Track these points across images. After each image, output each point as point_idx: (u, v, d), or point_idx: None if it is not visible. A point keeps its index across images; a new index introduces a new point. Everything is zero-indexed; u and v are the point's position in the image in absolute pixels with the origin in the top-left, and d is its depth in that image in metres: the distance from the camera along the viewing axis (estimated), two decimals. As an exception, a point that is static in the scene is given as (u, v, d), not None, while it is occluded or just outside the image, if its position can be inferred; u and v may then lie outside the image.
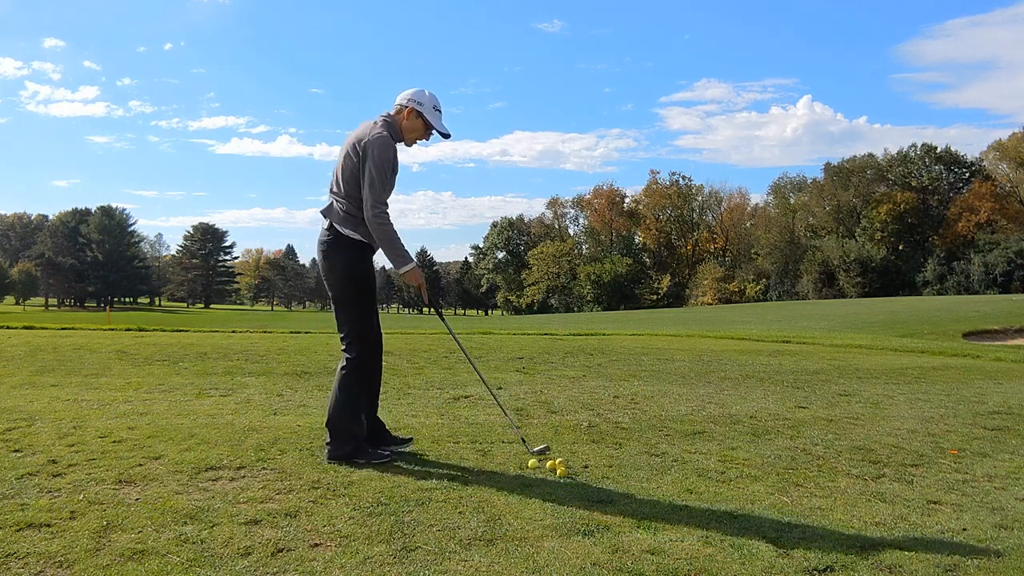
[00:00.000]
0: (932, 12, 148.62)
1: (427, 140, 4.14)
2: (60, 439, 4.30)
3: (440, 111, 4.12)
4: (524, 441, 4.35)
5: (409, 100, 4.05)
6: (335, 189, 4.03)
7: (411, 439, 4.38)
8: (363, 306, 4.05)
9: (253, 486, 3.49)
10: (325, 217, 4.06)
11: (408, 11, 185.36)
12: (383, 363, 4.26)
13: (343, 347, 4.06)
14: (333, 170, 4.09)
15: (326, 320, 24.33)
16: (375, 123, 4.01)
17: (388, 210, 3.93)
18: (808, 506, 3.45)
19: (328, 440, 4.03)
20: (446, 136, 4.14)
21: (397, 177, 4.09)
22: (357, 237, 3.97)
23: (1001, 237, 64.52)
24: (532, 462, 4.01)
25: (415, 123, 4.06)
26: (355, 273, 4.02)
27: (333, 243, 4.01)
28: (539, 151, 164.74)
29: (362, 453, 4.00)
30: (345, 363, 4.04)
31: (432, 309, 4.53)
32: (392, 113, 4.09)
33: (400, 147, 4.11)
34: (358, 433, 4.04)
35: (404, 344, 10.54)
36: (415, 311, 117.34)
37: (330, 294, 4.08)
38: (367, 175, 3.88)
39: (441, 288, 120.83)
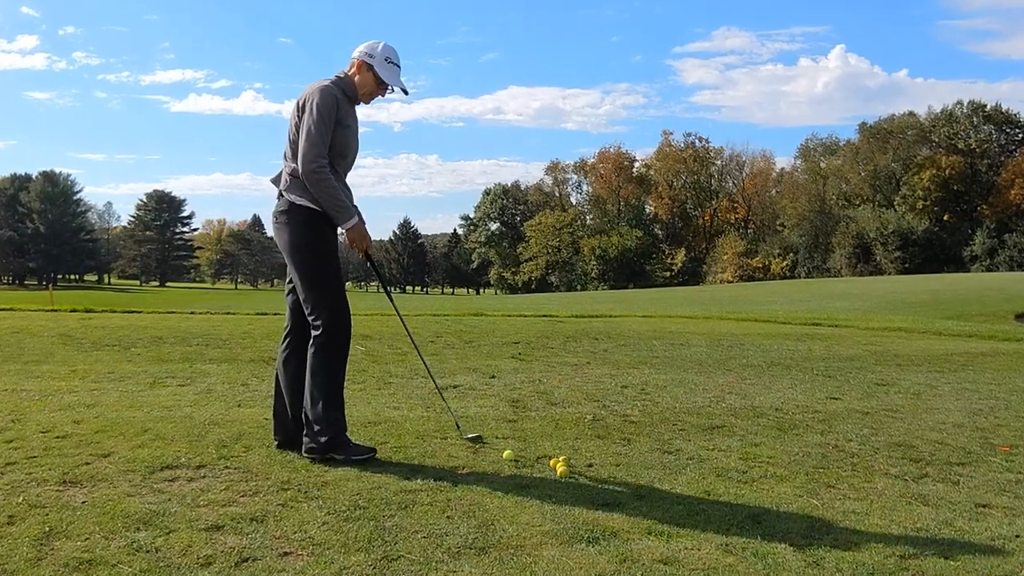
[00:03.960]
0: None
1: (383, 96, 4.24)
2: (-5, 435, 4.29)
3: (396, 64, 4.19)
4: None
5: (361, 54, 4.14)
6: (287, 155, 4.11)
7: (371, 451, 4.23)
8: (325, 279, 4.07)
9: (215, 487, 3.49)
10: (276, 186, 4.14)
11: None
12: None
13: (312, 326, 4.08)
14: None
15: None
16: (323, 80, 4.10)
17: (327, 163, 3.96)
18: (841, 510, 3.46)
19: (306, 433, 4.01)
20: (404, 92, 4.27)
21: (357, 137, 4.20)
22: (310, 205, 4.01)
23: (1059, 206, 64.74)
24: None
25: (365, 77, 4.13)
26: (312, 244, 4.04)
27: (285, 213, 4.08)
28: (537, 109, 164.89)
29: (341, 447, 3.99)
30: (314, 342, 4.05)
31: (380, 287, 4.52)
32: (345, 70, 4.19)
33: (364, 108, 4.22)
34: (338, 423, 4.02)
35: (384, 327, 10.50)
36: (397, 289, 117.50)
37: (291, 270, 4.12)
38: (304, 126, 3.95)
39: (427, 264, 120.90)
